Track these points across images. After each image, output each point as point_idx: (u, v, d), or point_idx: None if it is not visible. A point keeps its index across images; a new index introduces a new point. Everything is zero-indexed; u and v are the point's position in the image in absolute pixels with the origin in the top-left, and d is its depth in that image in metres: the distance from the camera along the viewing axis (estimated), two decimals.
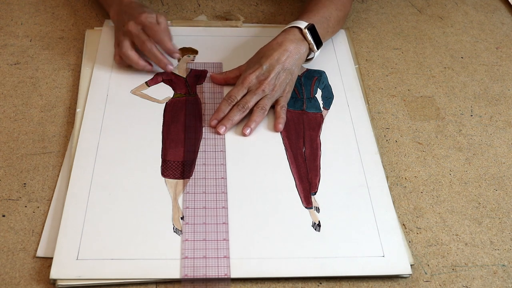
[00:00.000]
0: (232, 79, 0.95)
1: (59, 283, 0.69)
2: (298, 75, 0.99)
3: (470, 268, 0.75)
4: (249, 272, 0.71)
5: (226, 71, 0.96)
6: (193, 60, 1.01)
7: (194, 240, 0.74)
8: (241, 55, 1.03)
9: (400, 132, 0.93)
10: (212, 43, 1.05)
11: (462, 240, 0.78)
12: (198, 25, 1.09)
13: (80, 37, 1.05)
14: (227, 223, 0.76)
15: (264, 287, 0.71)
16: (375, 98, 0.98)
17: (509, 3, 1.23)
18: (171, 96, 0.94)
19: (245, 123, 0.88)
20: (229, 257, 0.72)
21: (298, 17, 0.98)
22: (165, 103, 0.93)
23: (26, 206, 0.78)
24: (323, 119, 0.92)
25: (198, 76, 0.98)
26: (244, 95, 0.90)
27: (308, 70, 1.01)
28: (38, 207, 0.78)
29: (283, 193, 0.81)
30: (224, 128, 0.87)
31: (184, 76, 0.98)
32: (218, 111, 0.89)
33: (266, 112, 0.89)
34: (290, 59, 0.91)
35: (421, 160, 0.89)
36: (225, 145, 0.86)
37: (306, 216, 0.78)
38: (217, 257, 0.72)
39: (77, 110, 0.90)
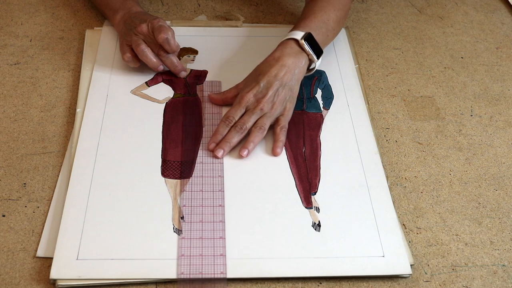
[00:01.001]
0: (230, 98, 0.90)
1: (59, 283, 0.69)
2: None
3: (470, 268, 0.75)
4: (249, 272, 0.71)
5: (224, 91, 0.92)
6: (193, 60, 1.01)
7: (190, 238, 0.74)
8: (241, 55, 1.03)
9: (400, 132, 0.93)
10: (212, 43, 1.05)
11: (462, 240, 0.78)
12: (198, 25, 1.09)
13: (80, 37, 1.05)
14: (224, 222, 0.76)
15: (264, 287, 0.71)
16: (375, 98, 0.98)
17: (509, 3, 1.23)
18: (171, 96, 0.94)
19: (242, 144, 0.85)
20: (225, 255, 0.72)
21: (295, 26, 0.94)
22: (165, 103, 0.93)
23: (26, 206, 0.78)
24: (323, 119, 0.92)
25: (198, 76, 0.98)
26: (242, 115, 0.86)
27: None
28: (38, 207, 0.78)
29: (283, 193, 0.81)
30: (222, 151, 0.83)
31: (184, 76, 0.98)
32: (216, 133, 0.85)
33: (265, 132, 0.85)
34: (289, 74, 0.87)
35: (421, 160, 0.89)
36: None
37: (306, 216, 0.78)
38: (214, 255, 0.72)
39: (77, 110, 0.90)
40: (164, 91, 0.95)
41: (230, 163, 0.84)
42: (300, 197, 0.80)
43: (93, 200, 0.78)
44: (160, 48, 0.92)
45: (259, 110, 0.85)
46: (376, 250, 0.75)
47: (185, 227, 0.75)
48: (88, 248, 0.72)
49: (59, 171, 0.82)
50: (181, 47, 1.03)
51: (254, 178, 0.82)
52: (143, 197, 0.79)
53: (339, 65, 1.02)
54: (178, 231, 0.75)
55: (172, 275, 0.70)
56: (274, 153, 0.85)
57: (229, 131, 0.85)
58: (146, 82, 0.95)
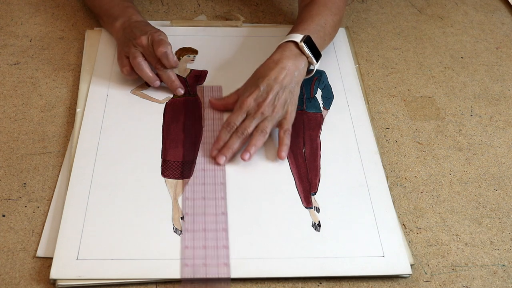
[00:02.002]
0: (231, 104, 0.89)
1: (59, 283, 0.69)
2: None
3: (470, 268, 0.75)
4: (249, 272, 0.72)
5: (225, 97, 0.91)
6: (193, 60, 1.01)
7: (193, 236, 0.74)
8: (241, 55, 1.03)
9: (400, 132, 0.93)
10: (212, 43, 1.05)
11: (462, 240, 0.78)
12: (198, 25, 1.09)
13: (80, 37, 1.05)
14: (227, 222, 0.76)
15: (264, 287, 0.71)
16: (375, 98, 0.98)
17: (509, 3, 1.23)
18: (171, 96, 0.94)
19: (244, 148, 0.84)
20: (228, 256, 0.72)
21: (293, 29, 0.94)
22: (165, 103, 0.93)
23: (26, 206, 0.78)
24: (323, 119, 0.92)
25: (198, 76, 0.98)
26: (244, 120, 0.85)
27: None
28: (38, 207, 0.78)
29: (283, 193, 0.81)
30: (224, 158, 0.82)
31: (184, 76, 0.98)
32: (218, 140, 0.84)
33: (267, 135, 0.84)
34: (289, 77, 0.86)
35: (421, 160, 0.89)
36: None
37: (306, 216, 0.78)
38: (217, 255, 0.72)
39: (77, 110, 0.90)
40: (164, 91, 0.95)
41: (230, 165, 0.84)
42: (300, 197, 0.80)
43: (93, 200, 0.78)
44: (158, 62, 0.90)
45: (260, 114, 0.84)
46: (376, 250, 0.75)
47: (188, 226, 0.75)
48: (88, 248, 0.72)
49: (59, 171, 0.82)
50: (181, 47, 1.03)
51: (254, 178, 0.82)
52: (143, 197, 0.79)
53: (339, 65, 1.02)
54: (178, 231, 0.75)
55: (173, 275, 0.70)
56: (279, 156, 0.84)
57: (230, 137, 0.84)
58: (146, 82, 0.95)
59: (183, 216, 0.77)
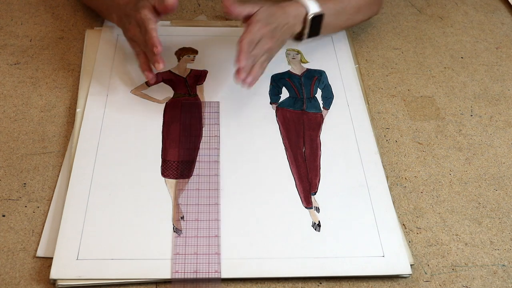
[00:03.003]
0: (244, 17, 0.88)
1: (59, 283, 0.69)
2: (298, 75, 0.99)
3: (470, 268, 0.75)
4: (249, 272, 0.72)
5: (242, 8, 0.87)
6: (193, 60, 1.01)
7: (186, 237, 0.74)
8: None
9: (400, 132, 0.93)
10: (212, 43, 1.05)
11: (462, 240, 0.78)
12: (198, 25, 1.09)
13: (80, 37, 1.05)
14: (220, 220, 0.76)
15: (264, 287, 0.71)
16: (375, 98, 0.98)
17: (509, 3, 1.23)
18: (171, 96, 0.94)
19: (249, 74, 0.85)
20: (220, 253, 0.72)
21: None
22: (165, 103, 0.93)
23: (26, 206, 0.78)
24: (323, 119, 0.92)
25: (198, 76, 0.98)
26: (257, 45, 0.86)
27: (308, 70, 1.01)
28: (38, 207, 0.78)
29: (283, 193, 0.81)
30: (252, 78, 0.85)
31: (184, 76, 0.98)
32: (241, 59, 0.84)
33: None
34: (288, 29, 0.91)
35: (421, 160, 0.89)
36: (224, 146, 0.87)
37: (306, 216, 0.78)
38: (208, 254, 0.72)
39: (77, 110, 0.90)
40: (164, 91, 0.95)
41: (230, 163, 0.84)
42: (300, 197, 0.80)
43: (93, 200, 0.78)
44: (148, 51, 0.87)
45: (268, 50, 0.88)
46: (376, 250, 0.75)
47: (183, 225, 0.75)
48: (88, 248, 0.72)
49: (59, 171, 0.82)
50: (181, 47, 1.03)
51: (254, 178, 0.82)
52: (143, 197, 0.79)
53: (339, 65, 1.02)
54: (178, 231, 0.75)
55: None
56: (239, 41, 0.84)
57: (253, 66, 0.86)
58: (146, 82, 0.95)
59: (183, 216, 0.77)
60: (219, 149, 0.86)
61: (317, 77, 0.99)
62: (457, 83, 1.03)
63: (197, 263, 0.72)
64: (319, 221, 0.77)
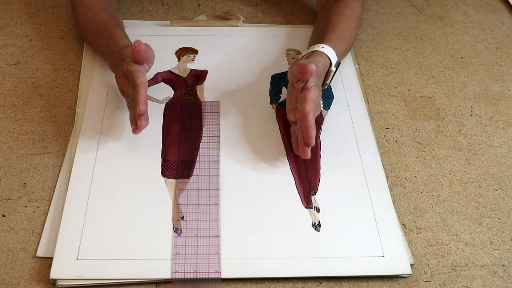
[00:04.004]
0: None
1: (59, 283, 0.69)
2: None
3: (470, 268, 0.75)
4: (249, 272, 0.72)
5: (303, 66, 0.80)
6: (193, 60, 1.01)
7: (186, 237, 0.74)
8: (241, 55, 1.03)
9: (400, 132, 0.93)
10: (212, 43, 1.05)
11: (462, 240, 0.78)
12: (198, 25, 1.09)
13: (80, 37, 1.05)
14: (220, 220, 0.76)
15: (264, 287, 0.71)
16: (375, 98, 0.98)
17: (509, 3, 1.23)
18: (171, 96, 0.94)
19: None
20: (220, 253, 0.72)
21: (326, 36, 0.92)
22: (165, 103, 0.93)
23: (26, 206, 0.78)
24: (323, 119, 0.92)
25: (198, 76, 0.98)
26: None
27: None
28: (38, 207, 0.78)
29: (283, 193, 0.81)
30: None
31: (184, 76, 0.98)
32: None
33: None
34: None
35: (421, 160, 0.89)
36: (224, 146, 0.87)
37: (306, 216, 0.78)
38: (208, 254, 0.72)
39: (77, 110, 0.90)
40: (164, 91, 0.95)
41: (230, 163, 0.84)
42: (300, 197, 0.80)
43: (93, 200, 0.78)
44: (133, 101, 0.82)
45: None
46: (376, 250, 0.75)
47: (183, 225, 0.75)
48: (88, 248, 0.72)
49: (59, 171, 0.82)
50: (181, 47, 1.03)
51: (254, 178, 0.82)
52: (143, 197, 0.79)
53: None
54: (178, 231, 0.75)
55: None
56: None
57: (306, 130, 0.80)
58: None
59: (183, 216, 0.77)
60: (219, 149, 0.86)
61: None
62: (457, 83, 1.03)
63: (197, 263, 0.72)
64: (319, 221, 0.77)
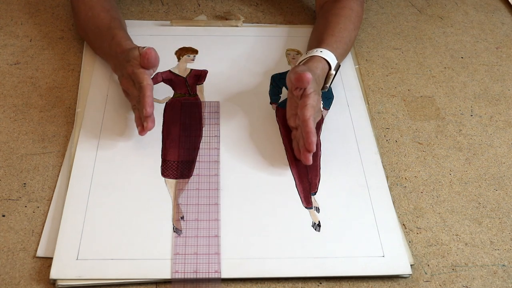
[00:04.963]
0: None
1: (59, 283, 0.69)
2: None
3: (470, 268, 0.75)
4: (249, 272, 0.72)
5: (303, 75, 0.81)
6: (193, 60, 1.01)
7: (186, 237, 0.74)
8: (241, 55, 1.03)
9: (400, 132, 0.93)
10: (212, 43, 1.05)
11: (462, 240, 0.78)
12: (198, 25, 1.09)
13: (80, 37, 1.05)
14: (220, 220, 0.76)
15: (264, 287, 0.71)
16: (375, 98, 0.98)
17: (509, 3, 1.23)
18: (171, 96, 0.94)
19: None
20: (219, 254, 0.72)
21: (324, 39, 0.92)
22: (165, 103, 0.93)
23: (26, 206, 0.78)
24: (323, 119, 0.92)
25: (198, 76, 0.98)
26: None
27: None
28: (38, 207, 0.78)
29: (283, 193, 0.81)
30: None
31: (184, 76, 0.98)
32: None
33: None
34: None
35: (421, 160, 0.89)
36: (224, 146, 0.87)
37: (306, 216, 0.78)
38: (208, 254, 0.72)
39: (77, 110, 0.90)
40: (164, 91, 0.95)
41: (231, 163, 0.84)
42: (300, 197, 0.80)
43: (93, 200, 0.78)
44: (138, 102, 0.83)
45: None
46: (376, 250, 0.75)
47: (183, 225, 0.75)
48: (88, 248, 0.72)
49: (59, 171, 0.82)
50: (181, 47, 1.03)
51: (254, 178, 0.82)
52: (143, 197, 0.79)
53: None
54: (178, 231, 0.75)
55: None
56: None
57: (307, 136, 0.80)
58: None
59: (183, 216, 0.77)
60: (219, 149, 0.86)
61: None
62: (457, 83, 1.03)
63: (197, 263, 0.72)
64: (319, 221, 0.77)
